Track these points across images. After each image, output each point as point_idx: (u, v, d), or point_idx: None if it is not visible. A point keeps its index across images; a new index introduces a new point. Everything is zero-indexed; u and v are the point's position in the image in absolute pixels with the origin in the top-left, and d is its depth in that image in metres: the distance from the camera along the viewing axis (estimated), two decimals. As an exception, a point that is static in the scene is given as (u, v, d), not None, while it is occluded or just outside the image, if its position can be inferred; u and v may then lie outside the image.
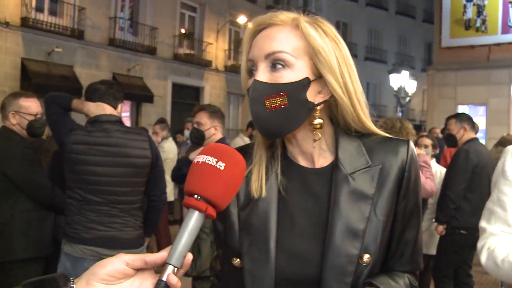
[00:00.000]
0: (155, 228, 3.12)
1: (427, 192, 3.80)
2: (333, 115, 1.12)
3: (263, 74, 1.03)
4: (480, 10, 13.68)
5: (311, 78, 1.04)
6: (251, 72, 1.07)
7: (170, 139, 6.73)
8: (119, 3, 17.22)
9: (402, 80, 15.44)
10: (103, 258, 2.65)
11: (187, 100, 19.72)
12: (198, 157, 0.84)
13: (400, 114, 16.31)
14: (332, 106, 1.10)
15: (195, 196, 0.80)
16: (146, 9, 17.84)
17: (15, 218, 2.99)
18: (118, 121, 2.81)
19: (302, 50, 1.04)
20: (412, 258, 1.12)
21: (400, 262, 1.11)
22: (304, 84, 1.03)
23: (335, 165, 1.07)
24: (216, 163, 0.81)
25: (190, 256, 0.78)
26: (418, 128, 27.46)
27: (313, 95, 1.05)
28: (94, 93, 2.83)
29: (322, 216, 1.05)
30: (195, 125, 3.59)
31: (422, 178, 3.76)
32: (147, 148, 2.82)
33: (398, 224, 1.09)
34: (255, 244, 1.04)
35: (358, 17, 28.99)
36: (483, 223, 1.63)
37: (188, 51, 19.36)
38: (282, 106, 1.01)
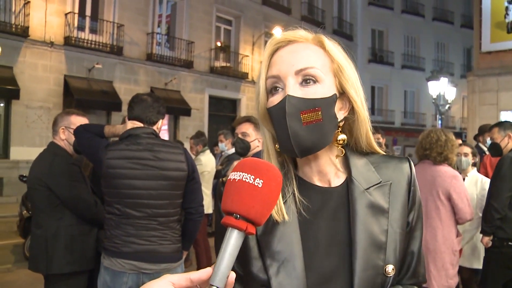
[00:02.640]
0: (192, 241, 3.09)
1: (466, 219, 3.72)
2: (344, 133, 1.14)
3: (295, 90, 1.02)
4: (523, 12, 13.23)
5: (337, 94, 1.06)
6: (273, 89, 1.06)
7: (207, 151, 6.78)
8: (156, 19, 17.63)
9: (441, 87, 15.13)
10: (142, 272, 2.66)
11: (224, 112, 19.93)
12: (234, 174, 0.82)
13: (439, 122, 15.95)
14: (345, 126, 1.12)
15: (234, 215, 0.79)
16: (183, 24, 18.19)
17: (60, 232, 3.05)
18: (153, 133, 2.83)
19: (327, 67, 1.06)
20: (417, 270, 1.13)
21: (407, 275, 1.12)
22: (334, 100, 1.05)
23: (350, 182, 1.08)
24: (254, 181, 0.80)
25: (233, 275, 0.77)
26: (459, 135, 26.80)
27: (337, 111, 1.07)
28: (140, 103, 2.86)
29: (344, 233, 1.05)
30: (240, 135, 3.58)
31: (465, 202, 3.64)
32: (183, 161, 2.82)
33: (406, 237, 1.11)
34: (283, 270, 1.00)
35: (394, 24, 28.64)
36: None
37: (224, 64, 19.59)
38: (317, 122, 1.01)
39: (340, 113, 1.08)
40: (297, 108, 1.00)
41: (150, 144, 2.75)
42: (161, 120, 2.96)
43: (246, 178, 0.80)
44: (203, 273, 0.77)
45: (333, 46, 1.07)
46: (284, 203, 1.05)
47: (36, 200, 3.14)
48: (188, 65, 17.97)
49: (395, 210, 1.07)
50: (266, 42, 21.72)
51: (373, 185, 1.08)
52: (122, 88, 15.75)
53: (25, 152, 12.88)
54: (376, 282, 1.01)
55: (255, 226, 0.80)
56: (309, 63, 1.03)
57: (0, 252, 7.25)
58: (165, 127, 18.21)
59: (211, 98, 19.31)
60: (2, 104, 13.60)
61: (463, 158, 4.59)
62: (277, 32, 19.72)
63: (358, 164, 1.11)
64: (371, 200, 1.06)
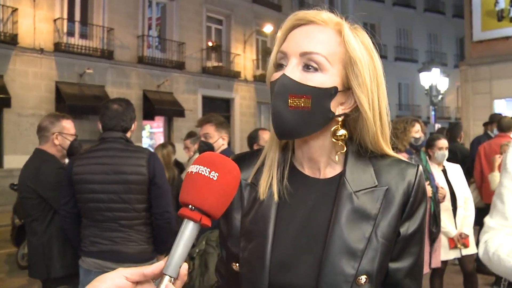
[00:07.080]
0: (164, 246, 3.04)
1: None
2: (349, 130, 1.07)
3: (293, 71, 0.98)
4: (513, -1, 13.20)
5: (340, 88, 1.00)
6: (279, 65, 1.02)
7: (201, 152, 6.72)
8: (146, 22, 17.56)
9: (433, 78, 15.10)
10: (106, 271, 2.64)
11: (218, 112, 19.84)
12: (192, 167, 0.83)
13: (433, 112, 15.94)
14: (350, 121, 1.06)
15: (190, 206, 0.80)
16: (173, 25, 18.12)
17: (53, 238, 3.09)
18: (122, 137, 2.88)
19: (338, 57, 1.00)
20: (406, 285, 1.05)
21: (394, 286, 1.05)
22: (331, 93, 0.99)
23: (340, 181, 1.03)
24: (209, 173, 0.81)
25: (185, 266, 0.79)
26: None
27: (335, 105, 1.02)
28: (112, 113, 2.89)
29: (320, 230, 1.01)
30: (203, 138, 3.62)
31: None
32: (143, 165, 2.81)
33: (396, 248, 1.03)
34: (253, 251, 1.03)
35: (386, 17, 28.67)
36: (487, 217, 1.60)
37: (216, 64, 19.53)
38: (304, 109, 0.97)
39: (340, 108, 1.02)
40: (287, 90, 0.97)
41: (112, 149, 2.84)
42: (134, 124, 3.01)
43: (202, 171, 0.82)
44: (156, 267, 0.78)
45: (352, 37, 1.00)
46: (270, 184, 1.06)
47: (28, 208, 3.18)
48: (180, 66, 17.90)
49: (385, 219, 1.00)
50: (257, 40, 21.73)
51: (364, 189, 1.01)
52: (114, 92, 15.66)
53: (18, 160, 12.72)
54: None
55: (211, 219, 0.82)
56: (315, 48, 0.98)
57: (-6, 262, 7.18)
58: (160, 129, 18.14)
59: (204, 98, 19.25)
60: (-6, 113, 13.49)
61: (441, 152, 4.47)
62: (268, 29, 19.68)
63: (356, 164, 1.04)
64: (357, 204, 1.00)
